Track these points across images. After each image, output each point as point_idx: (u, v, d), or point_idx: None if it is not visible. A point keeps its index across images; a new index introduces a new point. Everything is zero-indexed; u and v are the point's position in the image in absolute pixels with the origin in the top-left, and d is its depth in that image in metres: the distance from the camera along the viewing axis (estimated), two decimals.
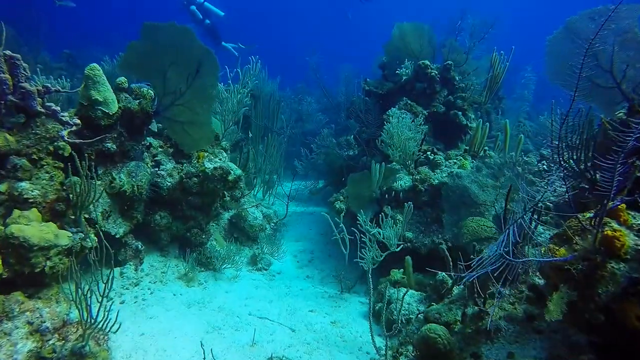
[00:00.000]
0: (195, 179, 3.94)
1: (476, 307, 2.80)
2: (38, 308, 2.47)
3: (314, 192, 7.29)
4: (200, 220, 4.15)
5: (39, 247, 2.49)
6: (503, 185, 4.50)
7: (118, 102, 3.56)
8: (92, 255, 2.54)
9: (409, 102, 5.80)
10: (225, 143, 4.87)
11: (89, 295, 2.41)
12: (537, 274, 2.97)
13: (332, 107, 8.75)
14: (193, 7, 9.08)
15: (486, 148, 5.24)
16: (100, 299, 2.47)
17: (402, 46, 6.31)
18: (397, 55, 6.46)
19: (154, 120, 3.86)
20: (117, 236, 3.47)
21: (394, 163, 5.40)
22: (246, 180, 6.68)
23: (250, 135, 5.56)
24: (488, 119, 6.42)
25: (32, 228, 2.51)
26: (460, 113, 5.64)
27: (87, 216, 3.13)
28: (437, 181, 4.56)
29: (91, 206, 3.04)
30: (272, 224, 5.64)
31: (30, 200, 2.73)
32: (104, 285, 2.50)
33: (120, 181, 3.47)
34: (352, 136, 7.45)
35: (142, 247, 3.76)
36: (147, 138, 4.21)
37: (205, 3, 9.26)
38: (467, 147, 5.36)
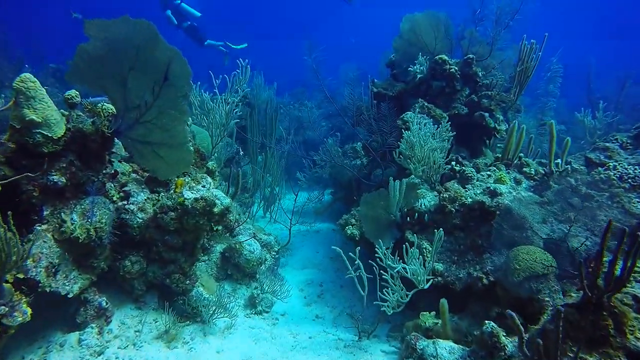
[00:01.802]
0: (173, 213, 3.15)
1: None
2: None
3: (319, 212, 6.48)
4: (182, 263, 3.35)
5: None
6: (552, 201, 3.68)
7: (67, 122, 2.78)
8: None
9: (426, 104, 4.99)
10: (212, 164, 4.07)
11: None
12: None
13: (335, 112, 7.97)
14: (168, 12, 8.49)
15: (521, 155, 4.41)
16: None
17: (414, 40, 5.52)
18: (408, 51, 5.67)
19: (118, 142, 3.07)
20: (70, 295, 2.68)
21: (413, 176, 4.59)
22: (241, 201, 5.89)
23: (241, 153, 4.75)
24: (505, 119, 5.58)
25: None
26: (487, 114, 4.82)
27: (22, 276, 2.35)
28: (470, 200, 3.74)
29: (29, 261, 2.25)
30: (273, 253, 4.84)
31: None
32: None
33: (73, 224, 2.68)
34: (360, 144, 6.65)
35: (107, 303, 2.96)
36: (116, 164, 3.43)
37: (182, 4, 8.65)
38: (499, 155, 4.53)
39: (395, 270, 3.30)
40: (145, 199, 3.31)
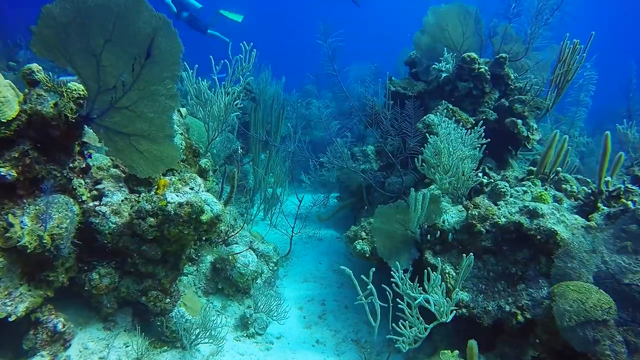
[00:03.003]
0: (152, 219, 2.61)
1: None
2: None
3: (323, 218, 5.93)
4: (161, 278, 2.81)
5: None
6: (602, 227, 3.12)
7: (24, 102, 2.25)
8: None
9: (451, 107, 4.45)
10: (206, 162, 3.54)
11: None
12: None
13: (346, 111, 7.45)
14: (167, 0, 8.06)
15: (559, 169, 3.84)
16: None
17: (439, 35, 4.97)
18: (431, 47, 5.12)
19: (87, 130, 2.54)
20: (12, 318, 2.14)
21: (433, 187, 4.04)
22: (239, 203, 5.36)
23: (239, 150, 4.21)
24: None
25: None
26: (520, 121, 4.26)
27: None
28: (504, 220, 3.18)
29: None
30: (272, 265, 4.29)
31: None
32: None
33: (22, 228, 2.15)
34: (372, 148, 6.10)
35: (64, 326, 2.42)
36: (95, 156, 2.90)
37: None
38: (531, 168, 3.97)
39: (416, 302, 2.75)
40: (121, 200, 2.77)
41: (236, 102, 3.94)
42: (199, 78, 3.93)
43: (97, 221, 2.59)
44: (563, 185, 3.69)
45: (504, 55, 4.45)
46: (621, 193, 3.29)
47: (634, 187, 3.40)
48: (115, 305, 2.76)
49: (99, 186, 2.76)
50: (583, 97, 6.25)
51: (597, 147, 7.93)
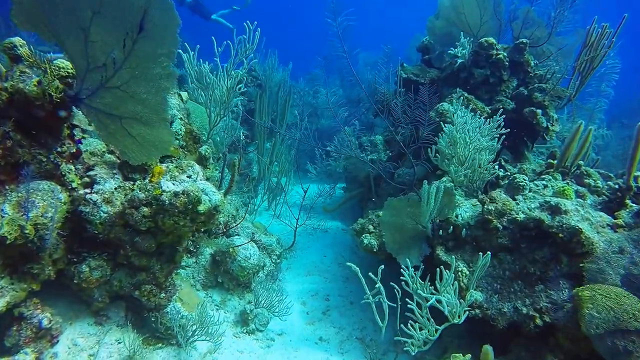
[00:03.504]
0: (145, 209, 2.43)
1: None
2: None
3: (329, 209, 5.74)
4: (156, 271, 2.64)
5: None
6: (630, 225, 2.89)
7: (5, 79, 2.06)
8: None
9: (466, 95, 4.20)
10: (206, 148, 3.35)
11: None
12: None
13: (354, 98, 7.20)
14: None
15: (581, 162, 3.60)
16: None
17: (455, 19, 4.70)
18: (446, 32, 4.87)
19: (76, 112, 2.35)
20: None
21: (445, 179, 3.82)
22: (243, 191, 5.18)
23: (242, 137, 4.00)
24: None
25: None
26: (540, 111, 4.01)
27: None
28: (523, 216, 2.96)
29: None
30: (274, 257, 4.12)
31: None
32: None
33: (2, 217, 1.97)
34: (380, 137, 5.88)
35: (50, 322, 2.26)
36: (89, 141, 2.73)
37: None
38: (551, 161, 3.73)
39: (428, 304, 2.56)
40: (114, 188, 2.59)
41: (239, 85, 3.73)
42: (200, 60, 3.72)
43: (88, 210, 2.41)
44: (585, 180, 3.46)
45: (524, 40, 4.18)
46: None
47: None
48: (107, 300, 2.60)
49: (91, 173, 2.58)
50: (604, 87, 5.95)
51: (612, 140, 7.62)
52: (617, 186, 3.13)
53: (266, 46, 7.48)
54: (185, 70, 3.74)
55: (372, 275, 2.67)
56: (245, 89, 7.28)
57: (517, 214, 3.00)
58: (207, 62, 3.76)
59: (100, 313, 2.65)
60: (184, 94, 4.07)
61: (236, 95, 3.70)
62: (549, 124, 4.08)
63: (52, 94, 2.04)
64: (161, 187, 2.48)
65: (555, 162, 3.67)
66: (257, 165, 5.90)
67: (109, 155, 2.78)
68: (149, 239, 2.53)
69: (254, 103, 6.28)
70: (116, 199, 2.55)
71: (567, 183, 3.37)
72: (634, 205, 2.99)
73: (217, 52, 3.59)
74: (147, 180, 2.57)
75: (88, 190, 2.49)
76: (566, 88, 4.15)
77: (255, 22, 3.28)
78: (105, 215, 2.46)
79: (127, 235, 2.50)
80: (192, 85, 3.82)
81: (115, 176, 2.70)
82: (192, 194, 2.45)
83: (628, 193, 3.04)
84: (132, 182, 2.73)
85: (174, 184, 2.54)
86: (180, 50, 3.66)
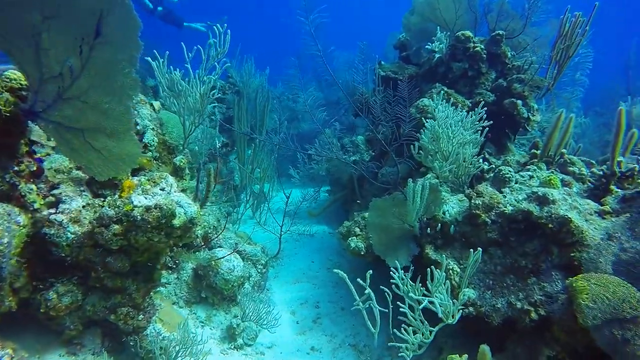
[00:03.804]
0: (116, 227, 2.27)
1: None
2: None
3: (314, 214, 5.62)
4: (132, 292, 2.48)
5: None
6: (617, 211, 2.86)
7: None
8: None
9: (446, 89, 4.15)
10: (181, 159, 3.20)
11: None
12: None
13: (334, 100, 7.11)
14: None
15: (563, 151, 3.58)
16: None
17: (430, 15, 4.66)
18: (422, 28, 4.82)
19: (33, 127, 2.18)
20: None
21: (429, 176, 3.75)
22: (224, 202, 5.03)
23: (218, 145, 3.86)
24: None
25: None
26: (520, 102, 3.99)
27: None
28: (511, 208, 2.91)
29: None
30: (260, 267, 3.98)
31: None
32: None
33: None
34: (362, 137, 5.80)
35: (11, 359, 2.07)
36: (54, 157, 2.55)
37: None
38: (537, 151, 3.69)
39: (421, 307, 2.46)
40: (82, 206, 2.42)
41: (213, 92, 3.58)
42: (171, 67, 3.57)
43: (53, 232, 2.24)
44: (569, 168, 3.43)
45: (500, 32, 4.16)
46: (635, 173, 3.04)
47: None
48: (80, 327, 2.42)
49: (56, 191, 2.40)
50: (579, 76, 6.00)
51: (589, 128, 7.72)
52: (601, 172, 3.11)
53: (242, 52, 7.36)
54: (151, 75, 3.59)
55: (361, 281, 2.56)
56: (224, 96, 7.15)
57: (505, 207, 2.94)
58: (178, 69, 3.61)
59: (73, 342, 2.46)
60: (156, 104, 3.91)
61: (210, 101, 3.55)
62: (529, 114, 4.05)
63: (2, 108, 1.87)
64: (132, 202, 2.32)
65: (538, 152, 3.64)
66: (239, 173, 5.75)
67: (77, 172, 2.60)
68: (122, 258, 2.36)
69: (232, 110, 6.14)
70: (84, 218, 2.38)
71: (552, 172, 3.34)
72: (619, 190, 2.97)
73: (188, 57, 3.44)
74: (116, 196, 2.41)
75: (53, 211, 2.32)
76: (544, 78, 4.14)
77: (226, 25, 3.15)
78: (73, 236, 2.29)
79: (97, 256, 2.33)
80: (164, 94, 3.66)
81: (84, 193, 2.53)
82: (165, 207, 2.30)
83: (612, 179, 3.01)
84: (102, 199, 2.57)
85: (146, 198, 2.38)
86: (148, 58, 3.51)
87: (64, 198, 2.40)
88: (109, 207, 2.30)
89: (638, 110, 4.75)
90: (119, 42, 1.94)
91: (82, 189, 2.55)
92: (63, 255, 2.28)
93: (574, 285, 2.36)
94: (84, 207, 2.44)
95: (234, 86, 7.30)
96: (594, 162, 3.87)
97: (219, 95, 7.08)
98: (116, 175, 2.26)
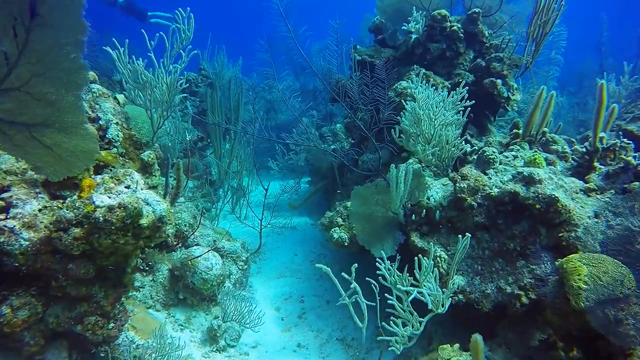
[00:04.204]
0: (77, 230, 2.06)
1: None
2: None
3: (295, 205, 5.47)
4: (99, 299, 2.28)
5: None
6: (601, 188, 2.81)
7: None
8: None
9: (424, 71, 4.03)
10: (149, 154, 2.98)
11: None
12: None
13: (311, 89, 6.93)
14: None
15: (545, 129, 3.52)
16: None
17: None
18: (397, 9, 4.68)
19: None
20: None
21: (411, 161, 3.65)
22: (201, 197, 4.82)
23: (187, 138, 3.65)
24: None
25: None
26: (499, 81, 3.90)
27: None
28: (497, 190, 2.82)
29: None
30: (241, 264, 3.81)
31: None
32: None
33: None
34: (340, 125, 5.65)
35: None
36: (3, 158, 2.31)
37: None
38: (518, 131, 3.62)
39: (410, 298, 2.35)
40: (38, 210, 2.20)
41: (180, 82, 3.36)
42: (133, 57, 3.32)
43: (3, 240, 2.02)
44: (552, 147, 3.38)
45: (476, 10, 4.06)
46: (617, 149, 2.99)
47: (629, 142, 3.12)
48: (41, 341, 2.22)
49: (5, 195, 2.17)
50: (554, 54, 5.99)
51: (563, 107, 7.77)
52: (584, 149, 3.05)
53: (213, 43, 7.07)
54: (117, 69, 3.34)
55: (346, 276, 2.44)
56: (197, 89, 6.87)
57: (491, 189, 2.85)
58: (141, 59, 3.37)
59: (34, 358, 2.26)
60: (121, 97, 3.66)
61: (178, 92, 3.33)
62: (509, 93, 3.98)
63: None
64: (93, 202, 2.11)
65: (520, 132, 3.57)
66: (217, 167, 5.54)
67: (31, 173, 2.37)
68: (85, 264, 2.16)
69: (206, 103, 5.90)
70: (41, 222, 2.16)
71: (536, 151, 3.27)
72: (602, 167, 2.92)
73: (150, 46, 3.21)
74: (75, 197, 2.19)
75: (2, 217, 2.09)
76: (522, 56, 4.07)
77: (188, 8, 2.92)
78: (27, 243, 2.07)
79: (57, 263, 2.13)
80: (128, 86, 3.42)
81: (39, 196, 2.30)
82: (130, 206, 2.10)
83: (595, 155, 2.96)
84: (61, 201, 2.34)
85: (109, 197, 2.18)
86: (107, 48, 3.27)
87: (15, 202, 2.17)
88: (67, 210, 2.09)
89: (612, 88, 4.74)
90: (60, 23, 1.72)
91: (37, 190, 2.32)
92: (17, 264, 2.06)
93: (564, 266, 2.29)
94: (39, 210, 2.22)
95: (206, 78, 7.04)
96: (574, 140, 3.83)
97: (194, 88, 6.84)
98: (71, 174, 2.05)
